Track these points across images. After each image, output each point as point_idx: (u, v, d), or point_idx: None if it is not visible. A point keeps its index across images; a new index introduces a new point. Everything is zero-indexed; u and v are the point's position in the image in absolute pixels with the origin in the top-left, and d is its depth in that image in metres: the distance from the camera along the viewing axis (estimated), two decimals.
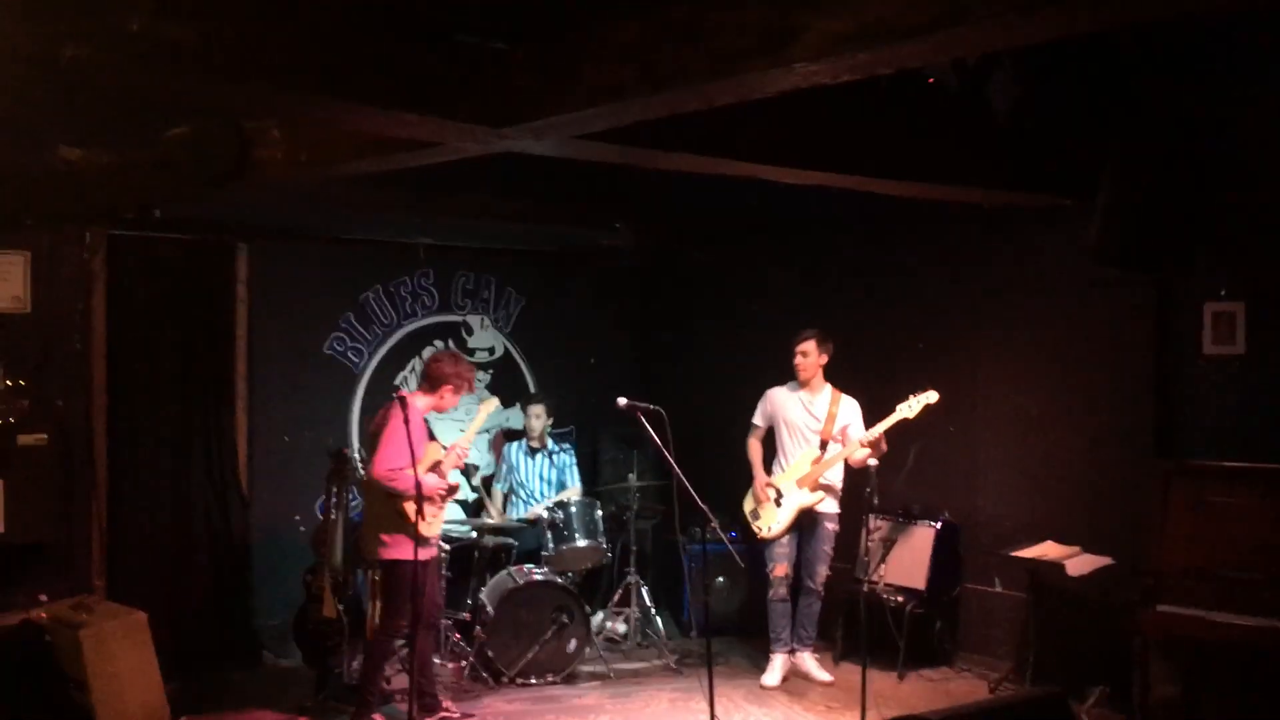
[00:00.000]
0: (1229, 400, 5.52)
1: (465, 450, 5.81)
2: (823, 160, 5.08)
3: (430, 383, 5.69)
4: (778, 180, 5.35)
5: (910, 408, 6.08)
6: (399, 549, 5.41)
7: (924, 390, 6.09)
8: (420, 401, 5.65)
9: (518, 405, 8.01)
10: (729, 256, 8.15)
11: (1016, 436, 6.50)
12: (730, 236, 7.98)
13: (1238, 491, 5.21)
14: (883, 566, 6.61)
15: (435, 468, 5.60)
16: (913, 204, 6.10)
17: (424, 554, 5.39)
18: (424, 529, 5.42)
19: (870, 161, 5.19)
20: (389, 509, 5.41)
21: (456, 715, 5.68)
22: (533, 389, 8.13)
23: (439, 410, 5.81)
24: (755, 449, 6.58)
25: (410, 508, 5.33)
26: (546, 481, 7.48)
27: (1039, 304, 6.38)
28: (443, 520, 5.74)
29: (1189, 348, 5.66)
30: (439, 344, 7.83)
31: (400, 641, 5.92)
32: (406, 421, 5.08)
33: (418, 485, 5.00)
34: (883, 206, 6.22)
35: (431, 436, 5.81)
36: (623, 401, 5.44)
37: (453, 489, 5.73)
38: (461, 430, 6.97)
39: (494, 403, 6.35)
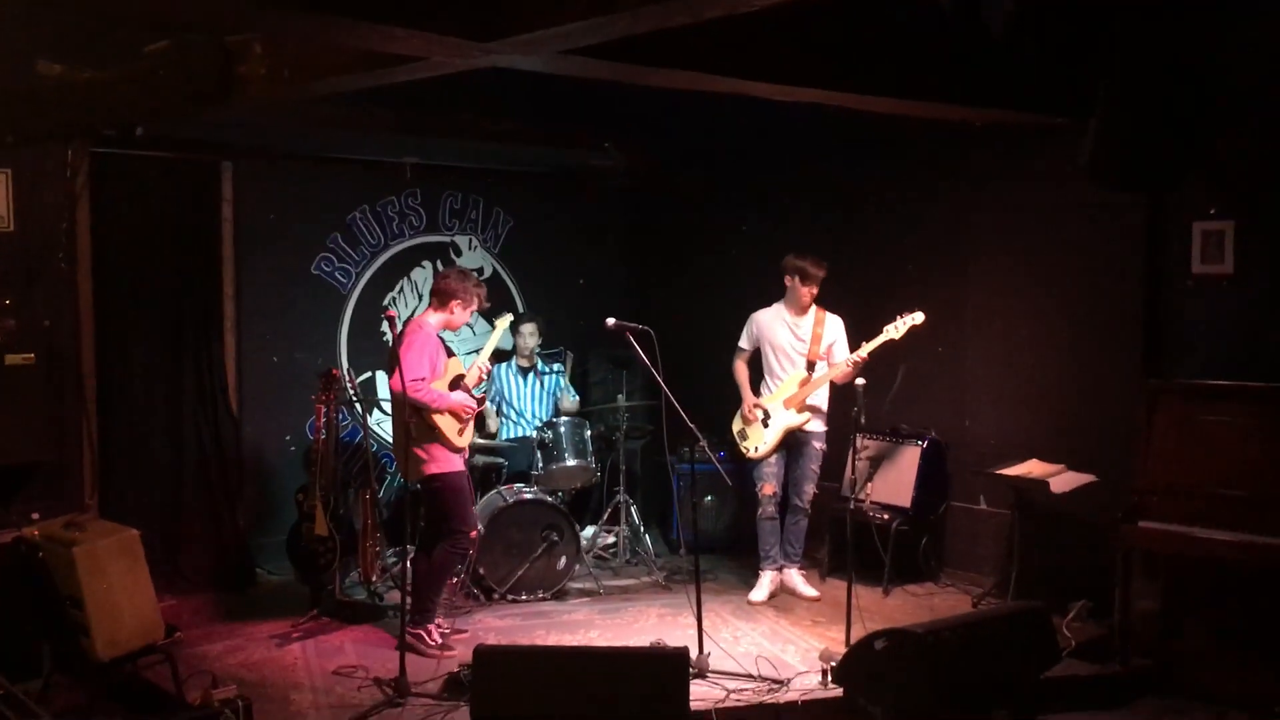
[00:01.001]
0: (1217, 319, 5.54)
1: (487, 366, 5.90)
2: (813, 77, 5.01)
3: (439, 299, 5.71)
4: (768, 98, 5.29)
5: (897, 329, 6.09)
6: (439, 463, 5.52)
7: (911, 311, 6.10)
8: (432, 319, 5.68)
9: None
10: (719, 177, 8.08)
11: (1004, 356, 6.52)
12: (720, 158, 7.91)
13: (1223, 410, 5.25)
14: (869, 485, 6.68)
15: (457, 383, 5.65)
16: (904, 124, 6.04)
17: (461, 465, 5.64)
18: (458, 441, 5.55)
19: (862, 78, 5.13)
20: (420, 425, 5.47)
21: (448, 631, 5.76)
22: (522, 309, 8.12)
23: (450, 328, 5.81)
24: (742, 371, 6.59)
25: (440, 420, 5.45)
26: (537, 401, 7.51)
27: (1029, 224, 6.36)
28: (471, 431, 5.79)
29: (1178, 267, 5.66)
30: (427, 264, 7.80)
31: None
32: (399, 339, 5.17)
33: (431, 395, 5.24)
34: (875, 127, 6.17)
35: (450, 353, 5.83)
36: (611, 322, 5.46)
37: (480, 401, 5.80)
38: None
39: (508, 319, 6.37)
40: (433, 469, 5.54)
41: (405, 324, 5.76)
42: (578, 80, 5.07)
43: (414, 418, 5.45)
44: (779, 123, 6.52)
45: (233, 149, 6.88)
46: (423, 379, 5.39)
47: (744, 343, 6.60)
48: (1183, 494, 5.25)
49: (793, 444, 6.45)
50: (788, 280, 6.39)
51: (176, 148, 6.60)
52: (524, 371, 7.50)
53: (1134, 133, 5.29)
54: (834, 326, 6.43)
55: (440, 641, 5.56)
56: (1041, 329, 6.33)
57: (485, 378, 6.03)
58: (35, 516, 5.35)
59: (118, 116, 5.48)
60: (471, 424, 5.77)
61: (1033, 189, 6.31)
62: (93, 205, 6.28)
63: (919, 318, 6.08)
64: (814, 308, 6.43)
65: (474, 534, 5.78)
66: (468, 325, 7.84)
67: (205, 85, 4.54)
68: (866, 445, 6.72)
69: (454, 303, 5.66)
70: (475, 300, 5.74)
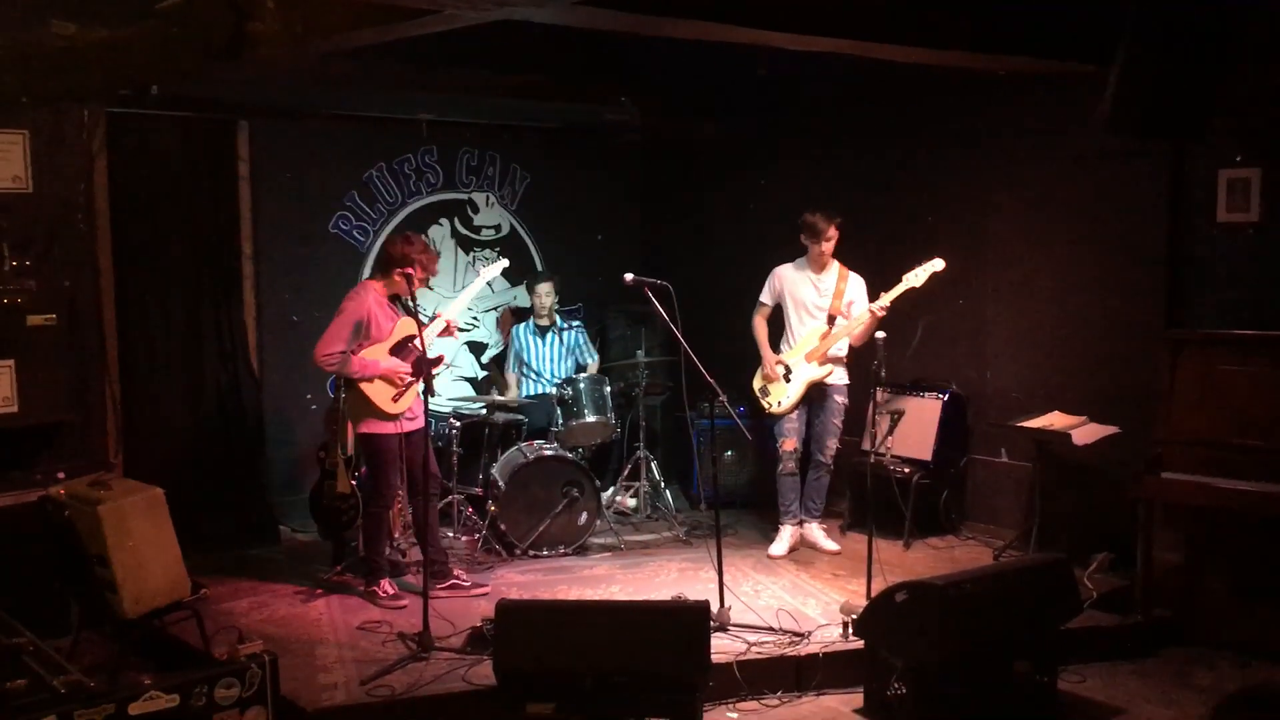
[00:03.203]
0: (1242, 268, 5.48)
1: (454, 321, 5.76)
2: (830, 26, 4.95)
3: (380, 267, 5.66)
4: (785, 48, 5.23)
5: (917, 276, 6.04)
6: (370, 424, 5.53)
7: (930, 259, 6.05)
8: (375, 285, 5.62)
9: (524, 284, 8.00)
10: (736, 131, 8.01)
11: (1025, 308, 6.47)
12: (737, 111, 7.84)
13: (1247, 360, 5.21)
14: (890, 439, 6.67)
15: (404, 345, 5.57)
16: (923, 74, 5.97)
17: (406, 427, 5.54)
18: (391, 408, 5.51)
19: (880, 27, 5.06)
20: (354, 390, 5.50)
21: (468, 583, 5.81)
22: (540, 267, 8.11)
23: (402, 293, 5.59)
24: (762, 328, 6.56)
25: (369, 388, 5.45)
26: (557, 360, 7.51)
27: (1050, 174, 6.29)
28: (413, 395, 5.62)
29: (1202, 216, 5.59)
30: (445, 222, 7.80)
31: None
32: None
33: (423, 367, 5.18)
34: (892, 77, 6.10)
35: (411, 314, 5.54)
36: (629, 277, 5.44)
37: (428, 362, 5.49)
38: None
39: (497, 267, 6.26)
40: (363, 429, 5.56)
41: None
42: (593, 33, 5.02)
43: (345, 384, 5.49)
44: (796, 74, 6.45)
45: (248, 108, 6.87)
46: (337, 352, 5.35)
47: (765, 298, 6.56)
48: (1205, 444, 5.22)
49: (814, 398, 6.43)
50: (803, 238, 6.35)
51: (192, 107, 6.59)
52: (542, 331, 7.50)
53: (1156, 79, 5.20)
54: (855, 285, 6.39)
55: (394, 593, 5.65)
56: (1063, 280, 6.27)
57: (454, 335, 5.88)
58: (61, 476, 5.39)
59: (132, 75, 5.47)
60: (412, 390, 5.58)
61: (1054, 138, 6.23)
62: (110, 165, 6.28)
63: (939, 264, 6.03)
64: (836, 264, 6.39)
65: (388, 496, 5.65)
66: (486, 284, 7.86)
67: (218, 42, 4.51)
68: (887, 399, 6.71)
69: (395, 272, 5.50)
70: (418, 266, 5.51)
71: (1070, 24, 5.49)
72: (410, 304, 5.44)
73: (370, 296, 5.52)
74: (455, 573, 5.84)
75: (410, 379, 5.57)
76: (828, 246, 6.30)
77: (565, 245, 8.30)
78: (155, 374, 6.59)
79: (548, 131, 8.21)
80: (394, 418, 5.50)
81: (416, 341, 5.39)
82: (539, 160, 8.20)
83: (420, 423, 5.75)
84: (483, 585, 5.87)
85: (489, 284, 7.85)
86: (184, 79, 6.05)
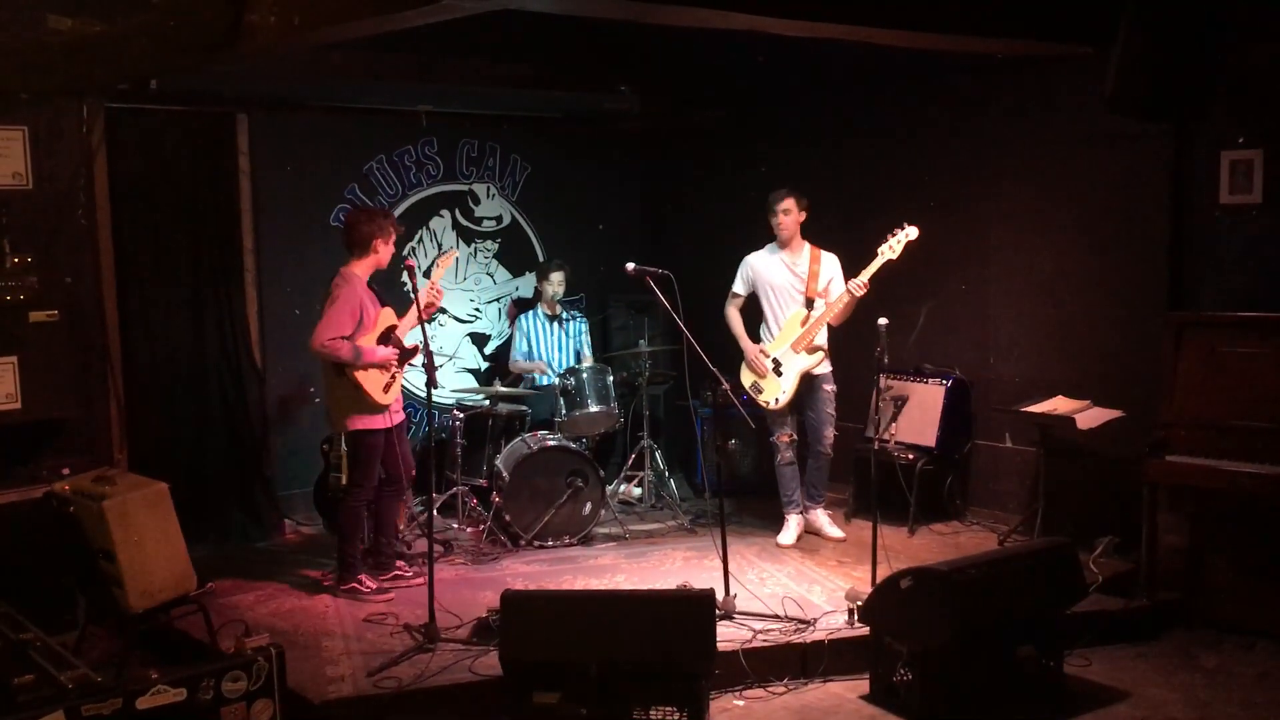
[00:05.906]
0: (1245, 250, 5.47)
1: (436, 292, 5.72)
2: (830, 12, 4.92)
3: (359, 248, 5.61)
4: (784, 34, 5.20)
5: (892, 249, 5.98)
6: (362, 420, 5.52)
7: (902, 228, 6.00)
8: (359, 269, 5.61)
9: (528, 274, 8.00)
10: (736, 118, 7.99)
11: (1028, 292, 6.46)
12: (738, 98, 7.81)
13: (1250, 342, 5.21)
14: (894, 425, 6.66)
15: (388, 335, 5.61)
16: (923, 59, 5.95)
17: (395, 419, 5.63)
18: (382, 398, 5.52)
19: (880, 12, 5.04)
20: (344, 381, 5.47)
21: (409, 574, 5.85)
22: (541, 257, 8.09)
23: (380, 267, 5.70)
24: (736, 318, 6.51)
25: (363, 378, 5.45)
26: (563, 351, 7.51)
27: (1052, 157, 6.26)
28: (400, 385, 5.70)
29: (1205, 198, 5.58)
30: (445, 214, 7.78)
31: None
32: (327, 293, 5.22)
33: (415, 350, 5.31)
34: (893, 63, 6.08)
35: (383, 303, 5.73)
36: (631, 267, 5.43)
37: (407, 352, 5.63)
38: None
39: (453, 255, 6.24)
40: (356, 425, 5.53)
41: (334, 278, 5.60)
42: (591, 22, 5.00)
43: (336, 373, 5.46)
44: (796, 60, 6.43)
45: (247, 101, 6.85)
46: (342, 337, 5.35)
47: (738, 287, 6.52)
48: (1209, 427, 5.22)
49: (804, 389, 6.39)
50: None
51: (191, 101, 6.57)
52: (551, 320, 7.49)
53: (1157, 60, 5.20)
54: (830, 264, 6.36)
55: (376, 586, 5.65)
56: (1066, 264, 6.25)
57: (438, 300, 5.84)
58: (65, 471, 5.40)
59: (130, 69, 5.45)
60: (399, 380, 5.66)
61: (1056, 121, 6.21)
62: (109, 161, 6.26)
63: (913, 233, 5.97)
64: (808, 245, 6.37)
65: (371, 489, 5.65)
66: (488, 275, 7.85)
67: (215, 35, 4.50)
68: (890, 385, 6.70)
69: (376, 242, 5.58)
70: (391, 230, 5.66)
71: (1070, 5, 5.47)
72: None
73: (358, 285, 5.53)
74: (397, 565, 5.89)
75: (396, 368, 5.63)
76: (784, 220, 6.29)
77: (566, 235, 8.29)
78: (158, 369, 6.59)
79: (548, 121, 8.19)
80: (383, 409, 5.54)
81: (398, 333, 5.64)
82: (539, 150, 8.18)
83: (402, 415, 5.82)
84: (422, 576, 5.68)
85: (490, 275, 7.86)
86: (182, 72, 6.03)
